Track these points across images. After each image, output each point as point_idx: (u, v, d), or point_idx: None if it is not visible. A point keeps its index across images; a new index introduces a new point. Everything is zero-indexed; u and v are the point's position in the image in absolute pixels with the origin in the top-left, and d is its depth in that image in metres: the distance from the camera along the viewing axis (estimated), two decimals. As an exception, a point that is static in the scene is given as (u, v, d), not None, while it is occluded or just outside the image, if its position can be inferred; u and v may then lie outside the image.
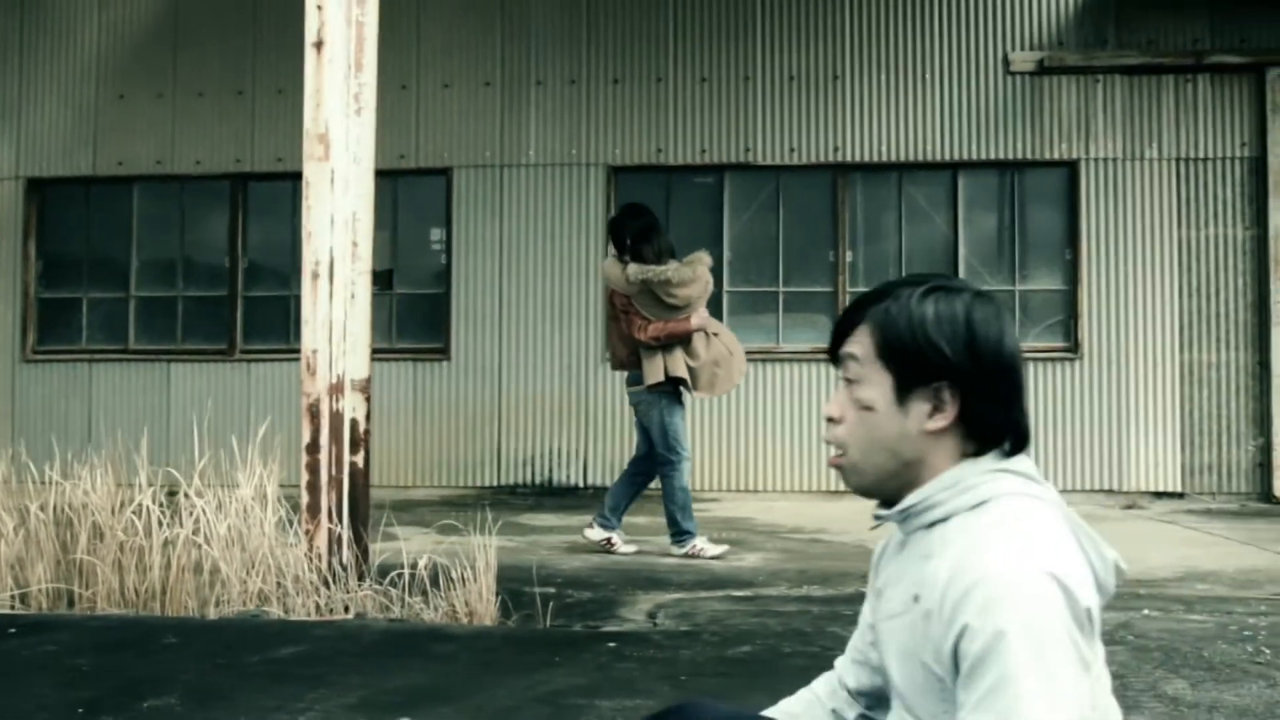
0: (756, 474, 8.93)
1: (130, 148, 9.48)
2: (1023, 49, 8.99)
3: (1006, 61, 8.99)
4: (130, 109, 9.51)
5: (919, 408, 1.44)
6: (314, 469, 4.94)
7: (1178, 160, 8.89)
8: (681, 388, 6.09)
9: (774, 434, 8.90)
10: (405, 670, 3.71)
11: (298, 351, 9.22)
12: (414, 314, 9.35)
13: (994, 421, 1.44)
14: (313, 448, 4.94)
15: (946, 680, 1.35)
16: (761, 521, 7.74)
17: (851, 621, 4.40)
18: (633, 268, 6.02)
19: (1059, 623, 1.26)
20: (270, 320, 9.36)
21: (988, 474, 1.42)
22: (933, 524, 1.44)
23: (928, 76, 9.03)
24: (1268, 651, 3.97)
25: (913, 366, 1.44)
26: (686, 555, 6.07)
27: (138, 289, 9.56)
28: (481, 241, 9.19)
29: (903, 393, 1.45)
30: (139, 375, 9.35)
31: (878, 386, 1.47)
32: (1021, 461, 1.46)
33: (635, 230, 6.16)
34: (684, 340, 6.00)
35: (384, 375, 9.15)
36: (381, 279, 9.41)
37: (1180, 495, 8.83)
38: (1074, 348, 8.89)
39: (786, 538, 7.04)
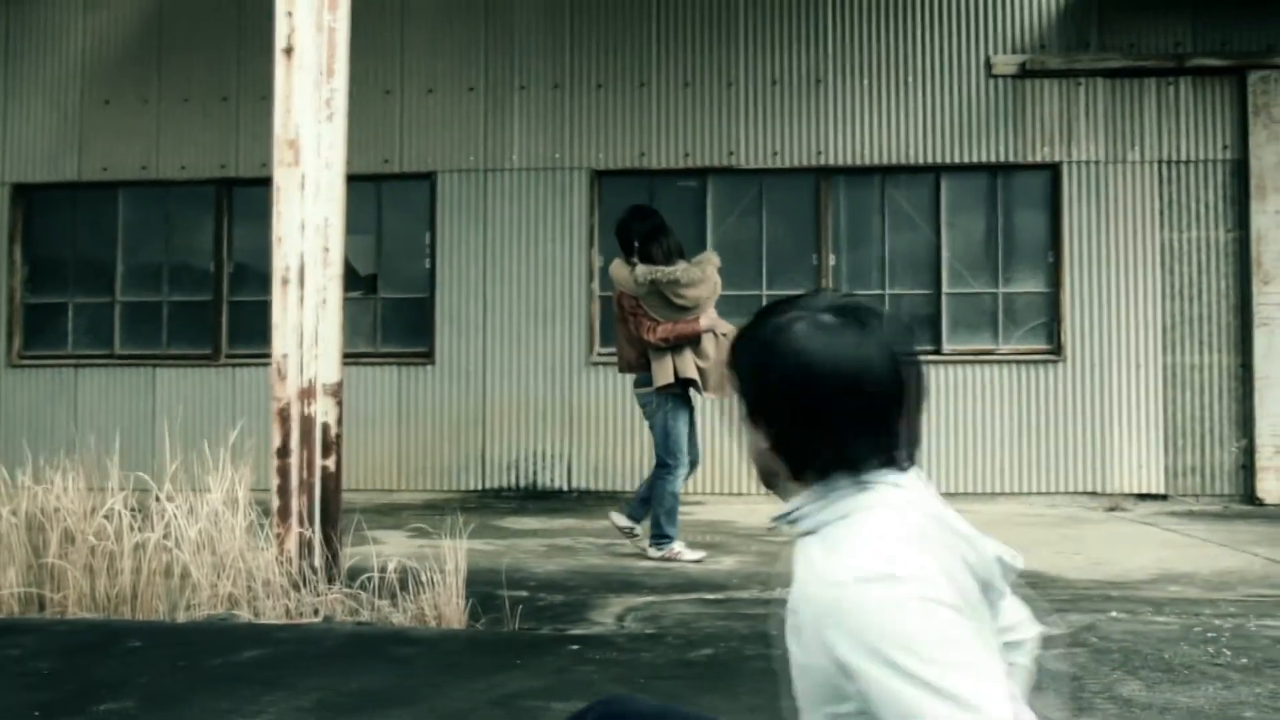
0: (740, 477, 8.94)
1: (115, 153, 9.51)
2: (1005, 52, 9.01)
3: (989, 65, 9.01)
4: (115, 115, 9.53)
5: (758, 427, 1.50)
6: (284, 473, 4.95)
7: (1160, 163, 8.90)
8: (691, 389, 6.07)
9: (757, 437, 8.90)
10: (365, 673, 3.72)
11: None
12: (398, 318, 9.36)
13: (804, 449, 1.45)
14: (283, 452, 4.96)
15: (842, 688, 1.36)
16: (743, 525, 7.75)
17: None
18: (641, 269, 6.00)
19: (916, 620, 1.27)
20: (255, 325, 9.37)
21: (851, 488, 1.44)
22: (807, 533, 1.46)
23: (910, 80, 9.05)
24: (1228, 653, 3.98)
25: (739, 388, 1.51)
26: (663, 558, 6.08)
27: (123, 294, 9.58)
28: (465, 246, 9.21)
29: (747, 411, 1.51)
30: (124, 380, 9.37)
31: (737, 404, 1.53)
32: (899, 474, 1.46)
33: (643, 232, 6.13)
34: (693, 341, 5.98)
35: (368, 380, 9.19)
36: (366, 283, 9.44)
37: (1164, 497, 8.84)
38: (1057, 350, 8.90)
39: (766, 541, 7.04)
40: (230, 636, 4.24)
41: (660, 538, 6.12)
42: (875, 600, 1.28)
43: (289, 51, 5.06)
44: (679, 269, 5.98)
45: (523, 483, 9.14)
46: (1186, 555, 6.41)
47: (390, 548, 6.30)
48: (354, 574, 4.83)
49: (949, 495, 8.83)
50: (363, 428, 9.11)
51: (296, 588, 4.75)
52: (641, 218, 6.32)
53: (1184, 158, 8.89)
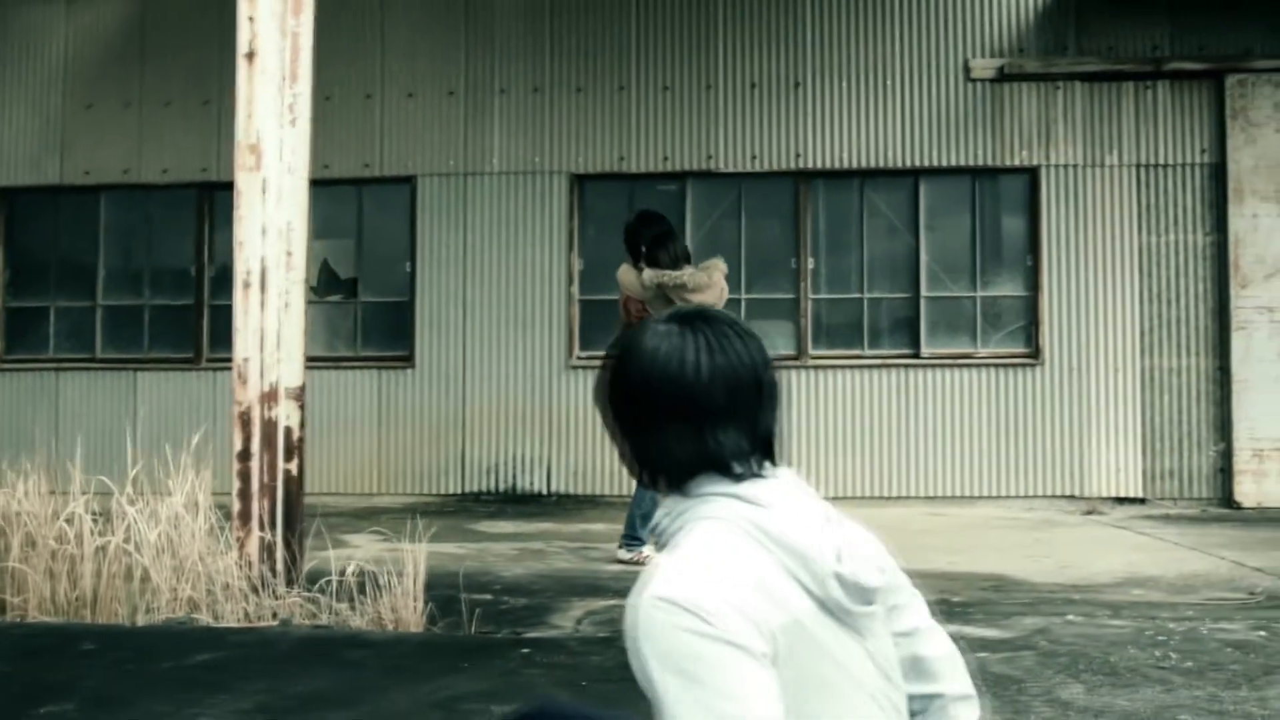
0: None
1: (97, 157, 9.54)
2: (983, 56, 9.02)
3: (967, 68, 9.02)
4: (98, 118, 9.56)
5: (613, 440, 1.54)
6: (245, 476, 4.97)
7: (1138, 166, 8.91)
8: None
9: (736, 440, 8.91)
10: (312, 676, 3.74)
11: (260, 359, 9.23)
12: (378, 322, 9.38)
13: (643, 459, 1.50)
14: (244, 455, 4.98)
15: None
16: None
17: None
18: (648, 273, 6.01)
19: (690, 644, 1.29)
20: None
21: (696, 499, 1.46)
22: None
23: (889, 83, 9.06)
24: (1175, 656, 3.99)
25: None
26: (631, 561, 6.08)
27: (104, 298, 9.61)
28: (445, 249, 9.23)
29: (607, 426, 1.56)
30: (106, 384, 9.40)
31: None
32: (745, 483, 1.46)
33: (651, 236, 6.14)
34: None
35: (348, 383, 9.21)
36: (346, 287, 9.46)
37: (1142, 501, 8.84)
38: (1035, 354, 8.91)
39: (737, 544, 7.05)
40: (184, 640, 4.26)
41: (632, 539, 6.13)
42: (661, 623, 1.31)
43: (251, 56, 5.08)
44: (686, 273, 5.99)
45: (502, 486, 9.16)
46: (1155, 559, 6.42)
47: (361, 551, 6.30)
48: (316, 577, 4.85)
49: (928, 499, 8.86)
50: (343, 431, 9.13)
51: (256, 591, 4.76)
52: (649, 223, 6.33)
53: (1162, 161, 8.90)
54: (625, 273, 6.22)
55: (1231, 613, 4.83)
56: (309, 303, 9.37)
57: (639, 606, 1.34)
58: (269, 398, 5.02)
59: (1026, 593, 5.41)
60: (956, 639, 4.38)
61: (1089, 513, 8.61)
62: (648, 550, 6.11)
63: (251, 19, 5.08)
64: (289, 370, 5.11)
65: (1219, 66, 8.83)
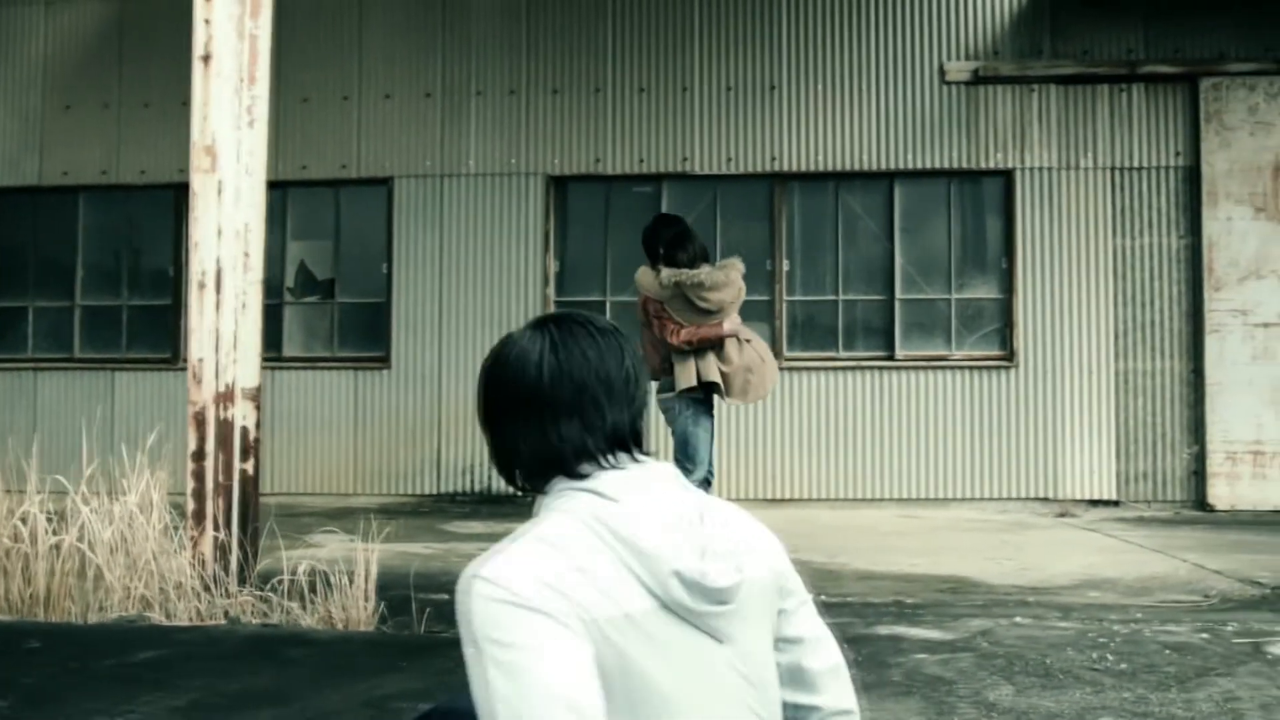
0: (693, 482, 8.98)
1: (76, 158, 9.57)
2: (958, 59, 9.04)
3: (942, 71, 9.04)
4: (76, 119, 9.60)
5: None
6: (200, 476, 5.00)
7: (1112, 169, 8.93)
8: (714, 394, 6.07)
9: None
10: (251, 674, 3.76)
11: (236, 360, 9.25)
12: (355, 323, 9.41)
13: (499, 457, 1.54)
14: (198, 455, 5.00)
15: None
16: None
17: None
18: (666, 272, 5.99)
19: (494, 612, 1.33)
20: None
21: (554, 494, 1.49)
22: None
23: (864, 86, 9.08)
24: (1112, 658, 4.01)
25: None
26: None
27: (83, 298, 9.64)
28: (422, 251, 9.26)
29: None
30: (84, 384, 9.43)
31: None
32: (600, 478, 1.47)
33: (669, 236, 6.14)
34: (716, 345, 5.98)
35: (325, 384, 9.24)
36: (323, 288, 9.49)
37: (1116, 503, 8.86)
38: (1009, 356, 8.93)
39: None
40: (131, 638, 4.28)
41: None
42: (473, 595, 1.35)
43: (206, 59, 5.11)
44: (703, 272, 5.97)
45: (477, 487, 9.18)
46: (1117, 561, 6.44)
47: (326, 551, 6.33)
48: (272, 576, 4.87)
49: (902, 501, 8.88)
50: (319, 432, 9.16)
51: (208, 590, 4.79)
52: (667, 224, 6.35)
53: (1137, 164, 8.92)
54: (643, 274, 6.19)
55: (1181, 615, 4.85)
56: (286, 304, 9.47)
57: (458, 585, 1.38)
58: (225, 398, 5.04)
59: (982, 594, 5.42)
60: (900, 640, 4.40)
61: (1062, 515, 8.62)
62: None
63: (207, 21, 5.11)
64: (246, 371, 5.14)
65: (1193, 70, 8.85)
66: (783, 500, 8.88)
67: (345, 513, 8.45)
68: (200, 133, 5.09)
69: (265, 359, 9.30)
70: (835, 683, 1.66)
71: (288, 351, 9.38)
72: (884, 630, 4.47)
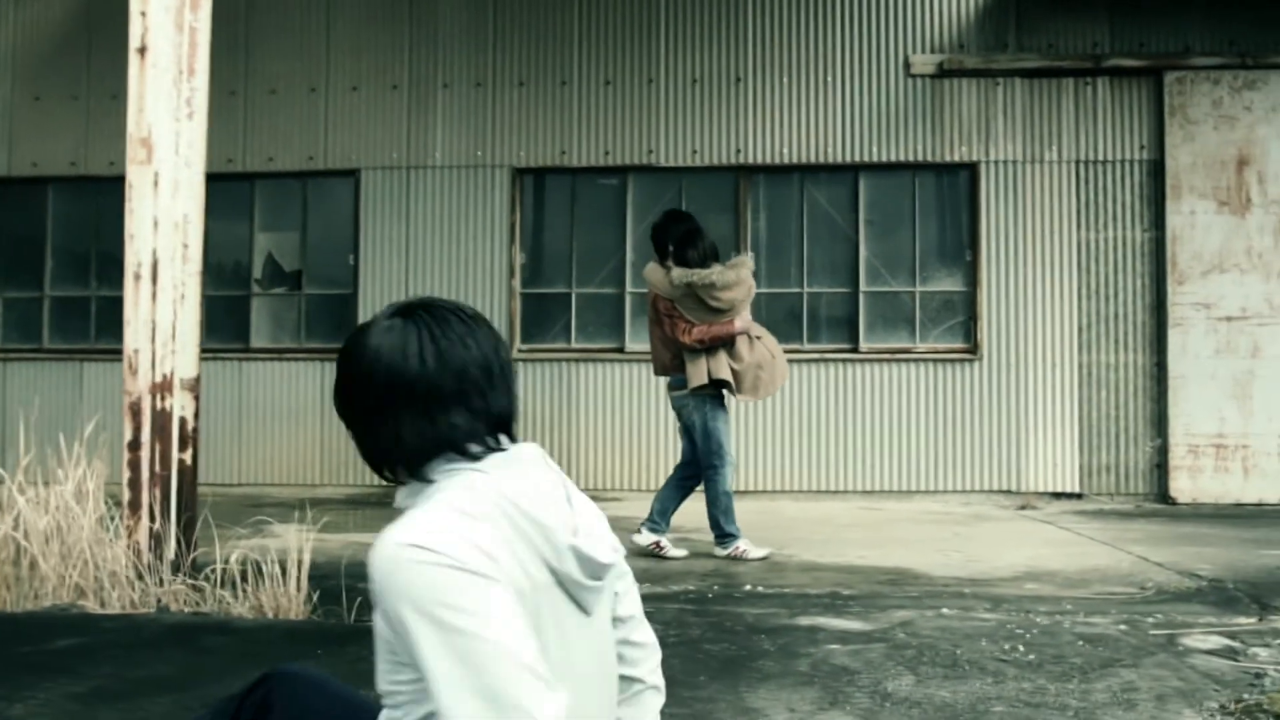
0: (655, 473, 8.99)
1: (45, 149, 9.60)
2: (923, 52, 9.04)
3: (907, 64, 9.04)
4: (45, 110, 9.63)
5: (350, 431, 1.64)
6: (135, 466, 5.03)
7: (1077, 163, 8.93)
8: (725, 390, 6.10)
9: (675, 434, 8.95)
10: (162, 662, 3.80)
11: (210, 350, 9.33)
12: (322, 314, 9.44)
13: (374, 444, 1.55)
14: (134, 445, 5.03)
15: (399, 655, 1.44)
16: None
17: (650, 618, 4.47)
18: (676, 271, 6.02)
19: (433, 575, 1.35)
20: (182, 320, 9.46)
21: (445, 474, 1.51)
22: None
23: (829, 79, 9.09)
24: (1023, 649, 4.03)
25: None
26: (730, 557, 6.10)
27: (52, 289, 9.68)
28: (389, 242, 9.29)
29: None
30: (52, 374, 9.47)
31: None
32: (486, 459, 1.51)
33: (679, 234, 6.15)
34: (727, 343, 6.02)
35: (292, 375, 9.28)
36: (290, 279, 9.52)
37: (1079, 496, 8.87)
38: (973, 349, 8.94)
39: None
40: (57, 626, 4.32)
41: (724, 537, 6.14)
42: (405, 561, 1.37)
43: (143, 51, 5.13)
44: (715, 271, 5.99)
45: (443, 478, 9.20)
46: (1064, 553, 6.45)
47: (278, 541, 6.36)
48: (206, 566, 4.91)
49: (865, 493, 8.90)
50: (286, 422, 9.20)
51: (142, 579, 4.83)
52: (676, 220, 6.36)
53: (1101, 158, 8.92)
54: (653, 271, 6.23)
55: (1110, 607, 4.87)
56: (253, 295, 9.50)
57: (382, 552, 1.39)
58: (162, 388, 5.07)
59: (920, 586, 5.44)
60: (817, 631, 4.42)
61: (1023, 508, 8.64)
62: (742, 544, 6.14)
63: (144, 14, 5.13)
64: (184, 361, 5.17)
65: (1158, 64, 8.84)
66: (746, 492, 8.89)
67: (311, 503, 8.48)
68: (136, 125, 5.11)
69: (233, 350, 9.38)
70: (652, 659, 1.77)
71: (255, 343, 9.42)
72: (805, 621, 4.50)
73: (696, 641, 4.14)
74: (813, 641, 4.14)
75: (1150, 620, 4.54)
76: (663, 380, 8.95)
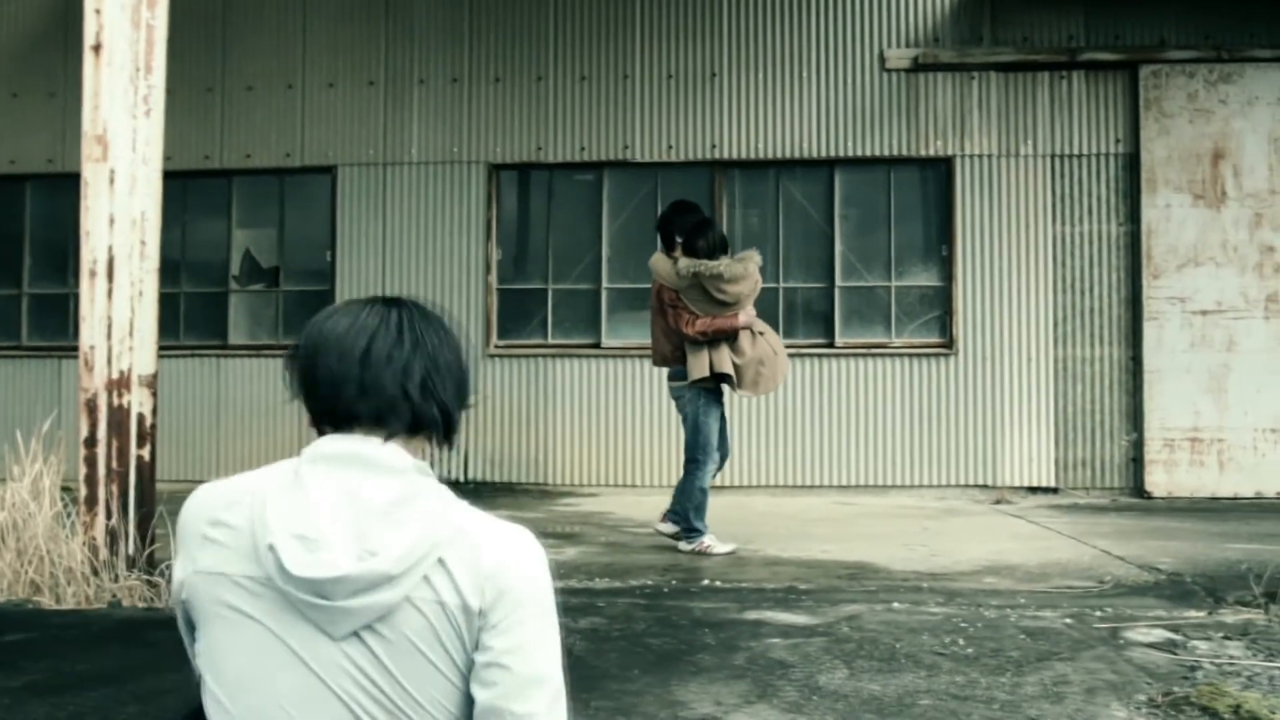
0: (632, 469, 9.02)
1: (23, 146, 9.62)
2: (898, 46, 9.03)
3: (882, 59, 9.04)
4: (23, 107, 9.65)
5: None
6: (91, 462, 5.05)
7: (1052, 157, 8.92)
8: (725, 384, 6.10)
9: (651, 429, 8.98)
10: (104, 656, 3.82)
11: (188, 348, 9.36)
12: (300, 310, 9.44)
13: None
14: (90, 442, 5.05)
15: None
16: (618, 516, 7.82)
17: (597, 612, 4.49)
18: (684, 262, 6.01)
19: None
20: (162, 317, 9.47)
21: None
22: None
23: (804, 74, 9.08)
24: (962, 643, 4.04)
25: None
26: (695, 551, 6.09)
27: (31, 286, 9.71)
28: (365, 239, 9.30)
29: None
30: (31, 372, 9.49)
31: None
32: (321, 442, 1.48)
33: (689, 225, 6.15)
34: (730, 337, 6.01)
35: (271, 371, 9.29)
36: (268, 276, 9.54)
37: (1054, 490, 8.88)
38: (949, 343, 8.94)
39: (625, 531, 7.12)
40: (8, 621, 4.34)
41: (690, 531, 6.15)
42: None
43: (97, 49, 5.14)
44: (723, 264, 5.99)
45: (420, 473, 9.22)
46: (1029, 547, 6.46)
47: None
48: (159, 562, 4.93)
49: (841, 488, 8.90)
50: (264, 418, 9.22)
51: (98, 574, 4.85)
52: (684, 212, 6.35)
53: (1076, 151, 8.91)
54: (659, 261, 6.22)
55: (1064, 601, 4.88)
56: (231, 292, 9.52)
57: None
58: (120, 384, 5.09)
59: (878, 581, 5.45)
60: (762, 625, 4.43)
61: (998, 502, 8.64)
62: (708, 540, 6.12)
63: (98, 12, 5.14)
64: (142, 358, 5.18)
65: (1133, 57, 8.83)
66: (722, 488, 8.87)
67: (287, 499, 8.51)
68: (91, 122, 5.12)
69: (211, 347, 9.38)
70: (540, 693, 1.44)
71: (233, 340, 9.44)
72: (753, 615, 4.51)
73: (639, 636, 4.15)
74: (755, 635, 4.16)
75: (1098, 614, 4.55)
76: (642, 375, 9.01)
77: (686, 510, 6.16)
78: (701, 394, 6.07)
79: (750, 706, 3.27)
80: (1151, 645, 4.04)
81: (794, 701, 3.33)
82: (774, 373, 6.14)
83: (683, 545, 6.19)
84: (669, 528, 6.29)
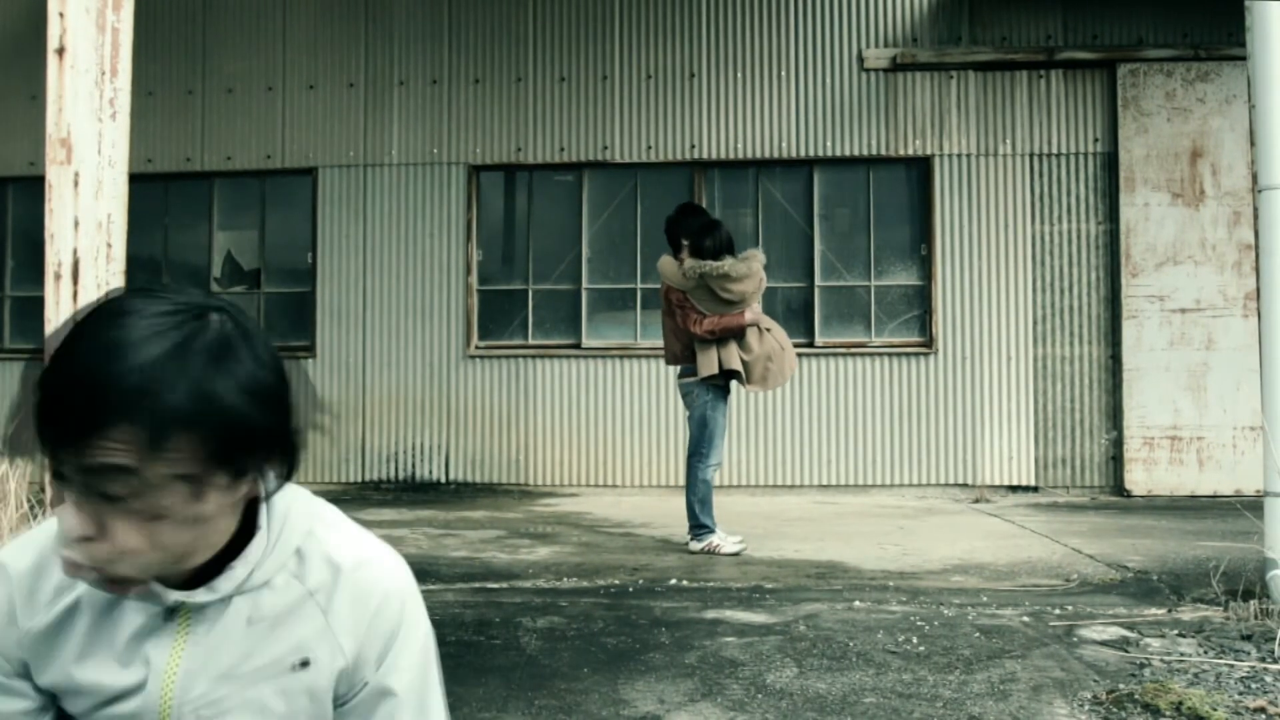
0: (612, 469, 9.03)
1: (4, 149, 9.65)
2: (876, 46, 9.05)
3: (861, 58, 9.05)
4: (4, 110, 9.67)
5: None
6: (57, 465, 5.06)
7: (1031, 156, 8.94)
8: (734, 381, 6.19)
9: (632, 429, 9.00)
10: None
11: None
12: (280, 312, 9.48)
13: None
14: (55, 444, 5.07)
15: None
16: (595, 516, 7.84)
17: (558, 612, 4.49)
18: (690, 263, 6.10)
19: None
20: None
21: None
22: None
23: (783, 74, 9.10)
24: (915, 641, 4.05)
25: None
26: (705, 550, 6.14)
27: (12, 289, 9.73)
28: (346, 240, 9.32)
29: None
30: (14, 373, 9.51)
31: None
32: None
33: (695, 227, 6.23)
34: (738, 334, 6.09)
35: (251, 372, 9.30)
36: (249, 278, 9.56)
37: (1035, 489, 8.89)
38: (929, 343, 8.95)
39: (601, 531, 7.14)
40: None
41: (698, 528, 6.19)
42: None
43: (61, 52, 5.15)
44: (728, 263, 6.07)
45: (402, 475, 9.26)
46: (1000, 546, 6.47)
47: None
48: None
49: (821, 488, 8.91)
50: (245, 420, 9.22)
51: (62, 576, 4.87)
52: (690, 214, 6.45)
53: (1055, 150, 8.93)
54: (666, 263, 6.31)
55: (1026, 599, 4.89)
56: (214, 293, 9.54)
57: (405, 571, 1.26)
58: (85, 387, 5.10)
59: (846, 580, 5.46)
60: (719, 624, 4.44)
61: (978, 501, 8.66)
62: (716, 538, 6.16)
63: (62, 15, 5.14)
64: (108, 360, 5.20)
65: (1111, 56, 8.84)
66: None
67: (268, 501, 8.53)
68: (55, 125, 5.13)
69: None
70: None
71: (215, 341, 9.44)
72: (711, 614, 4.52)
73: (595, 635, 4.17)
74: (711, 634, 4.17)
75: (1057, 612, 4.56)
76: (622, 375, 9.02)
77: (692, 506, 6.22)
78: (711, 390, 6.16)
79: (693, 705, 3.29)
80: (1104, 643, 4.05)
81: (738, 700, 3.34)
82: (781, 368, 6.22)
83: (692, 545, 6.23)
84: (699, 545, 6.32)
